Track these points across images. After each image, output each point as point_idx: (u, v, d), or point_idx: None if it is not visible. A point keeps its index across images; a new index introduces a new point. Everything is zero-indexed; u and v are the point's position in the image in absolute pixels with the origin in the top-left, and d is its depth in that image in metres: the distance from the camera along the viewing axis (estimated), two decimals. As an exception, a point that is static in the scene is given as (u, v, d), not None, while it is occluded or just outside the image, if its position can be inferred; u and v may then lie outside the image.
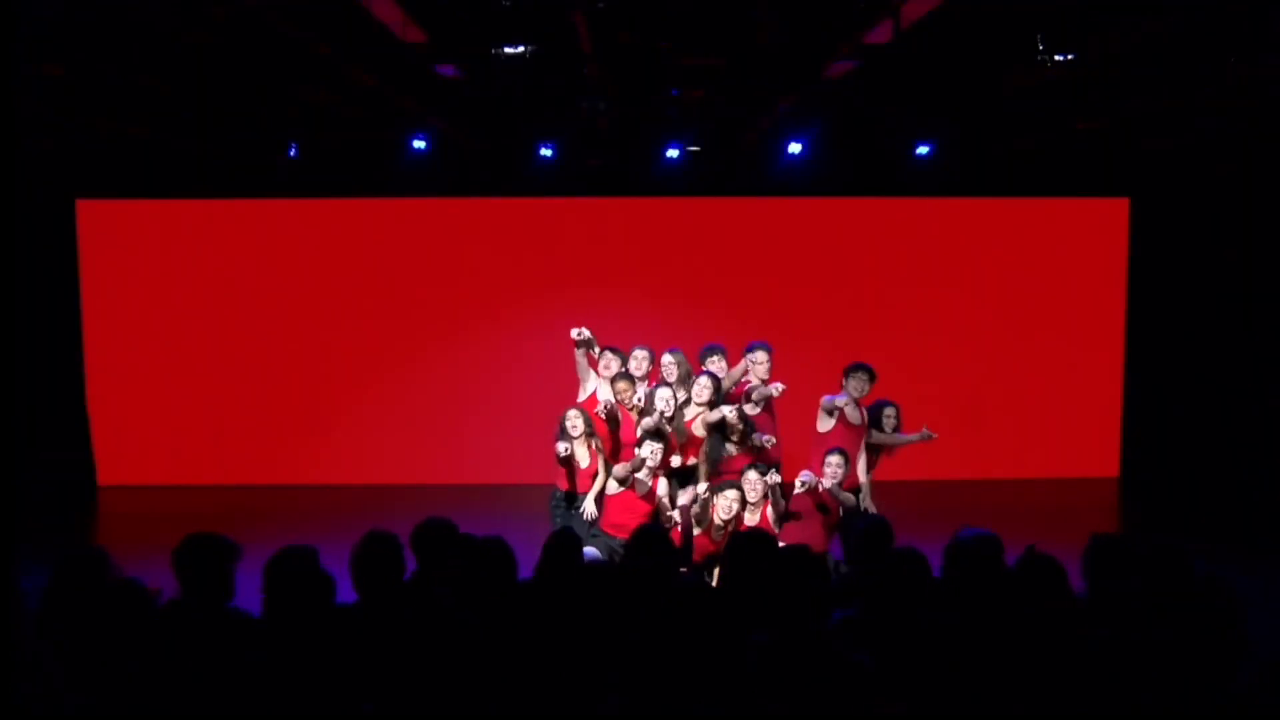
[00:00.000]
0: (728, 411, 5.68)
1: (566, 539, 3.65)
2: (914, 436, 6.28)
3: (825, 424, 6.13)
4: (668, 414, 5.75)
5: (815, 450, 6.21)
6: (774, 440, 5.90)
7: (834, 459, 5.62)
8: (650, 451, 5.43)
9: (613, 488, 5.64)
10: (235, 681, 2.60)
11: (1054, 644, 2.82)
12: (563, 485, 5.98)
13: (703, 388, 5.91)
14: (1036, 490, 9.07)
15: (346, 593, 3.32)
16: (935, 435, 6.22)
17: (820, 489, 5.57)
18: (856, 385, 6.15)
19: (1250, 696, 2.78)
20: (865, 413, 6.24)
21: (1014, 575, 3.13)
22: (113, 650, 2.78)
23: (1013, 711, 2.70)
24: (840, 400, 6.06)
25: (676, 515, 5.64)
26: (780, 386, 5.92)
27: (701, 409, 5.92)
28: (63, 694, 2.71)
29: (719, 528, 5.49)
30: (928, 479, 8.77)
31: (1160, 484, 9.25)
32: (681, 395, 5.96)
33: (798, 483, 5.59)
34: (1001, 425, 9.53)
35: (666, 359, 6.21)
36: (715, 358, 6.26)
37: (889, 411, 6.36)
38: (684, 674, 2.52)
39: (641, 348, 6.25)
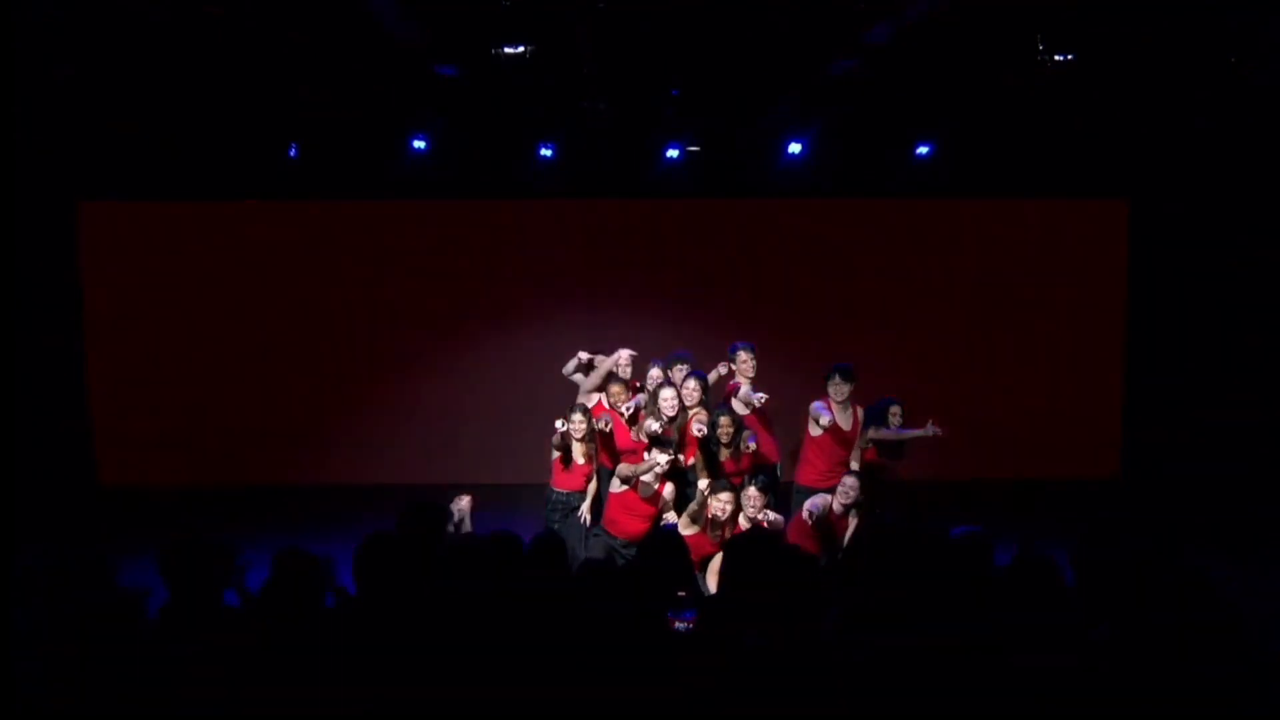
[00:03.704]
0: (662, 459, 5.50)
1: (552, 541, 3.66)
2: (917, 432, 6.28)
3: (816, 429, 6.15)
4: (670, 415, 5.76)
5: (808, 452, 6.22)
6: (754, 447, 5.88)
7: (850, 480, 5.71)
8: (662, 459, 5.43)
9: (615, 486, 5.65)
10: (226, 679, 2.60)
11: (1049, 643, 2.83)
12: (556, 484, 5.98)
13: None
14: (1037, 490, 9.07)
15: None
16: (940, 432, 6.21)
17: (833, 508, 5.62)
18: (835, 390, 6.18)
19: (1250, 696, 2.78)
20: (859, 413, 6.25)
21: (1007, 573, 3.14)
22: (107, 651, 2.78)
23: (1011, 710, 2.70)
24: (825, 419, 6.05)
25: (672, 516, 5.66)
26: (763, 396, 5.95)
27: (696, 410, 5.93)
28: (58, 694, 2.72)
29: (715, 528, 5.50)
30: (927, 479, 8.75)
31: (1160, 484, 9.23)
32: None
33: (805, 513, 5.58)
34: (1001, 425, 9.53)
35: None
36: (681, 367, 6.26)
37: (894, 409, 6.37)
38: (680, 672, 2.53)
39: (625, 352, 6.29)
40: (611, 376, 6.16)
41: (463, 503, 4.94)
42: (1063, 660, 2.78)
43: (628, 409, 5.89)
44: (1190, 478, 9.12)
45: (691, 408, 5.90)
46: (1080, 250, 9.56)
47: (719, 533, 5.49)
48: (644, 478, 5.49)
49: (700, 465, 5.90)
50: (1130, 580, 3.02)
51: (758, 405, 5.98)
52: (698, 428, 5.73)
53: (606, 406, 6.11)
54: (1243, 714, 2.74)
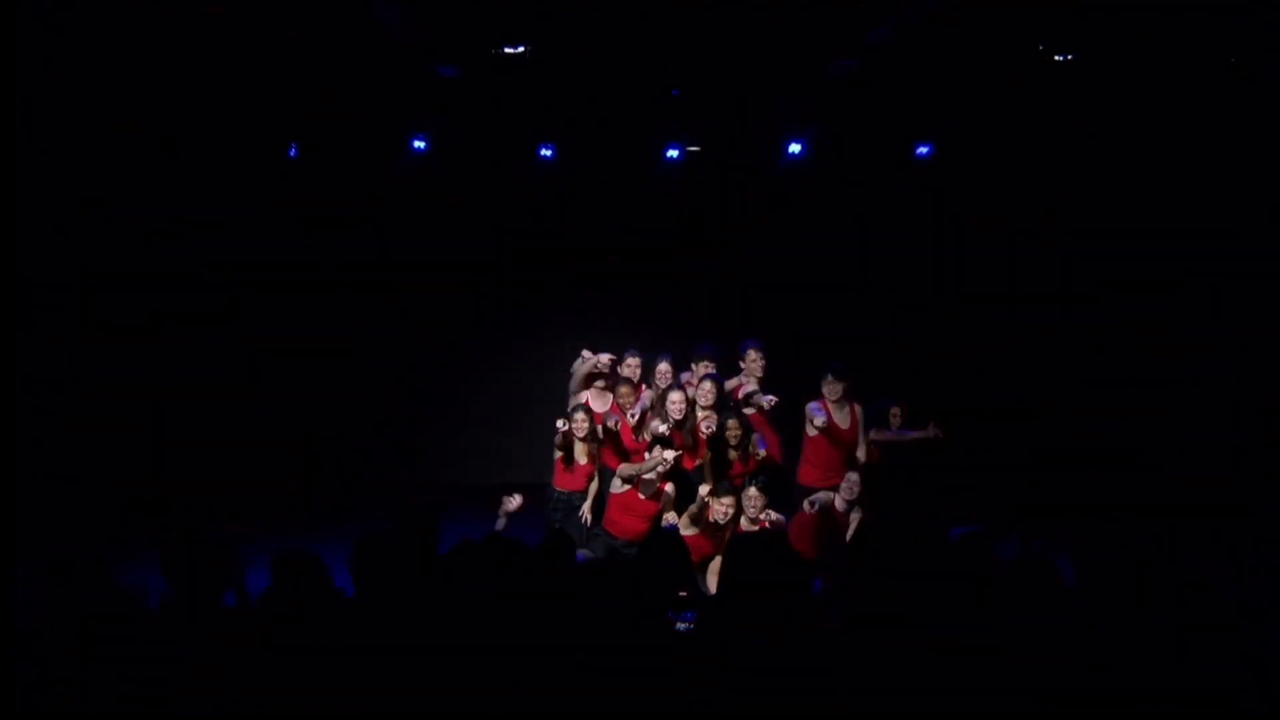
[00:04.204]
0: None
1: (561, 541, 3.66)
2: (918, 434, 6.28)
3: (812, 429, 6.15)
4: (677, 418, 5.75)
5: (808, 452, 6.21)
6: (764, 452, 5.88)
7: (854, 477, 5.73)
8: (666, 456, 5.41)
9: (616, 486, 5.65)
10: (226, 679, 2.61)
11: (1049, 642, 2.83)
12: (557, 483, 5.97)
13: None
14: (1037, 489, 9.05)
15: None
16: (940, 434, 6.21)
17: (835, 504, 5.63)
18: (829, 389, 6.16)
19: (1250, 696, 2.78)
20: (857, 411, 6.24)
21: (1007, 573, 3.14)
22: (107, 651, 2.79)
23: (1011, 710, 2.70)
24: (820, 419, 6.05)
25: (672, 516, 5.66)
26: (772, 399, 5.94)
27: (708, 411, 5.92)
28: (58, 694, 2.72)
29: (716, 531, 5.49)
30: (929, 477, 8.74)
31: (1158, 484, 9.21)
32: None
33: (806, 505, 5.60)
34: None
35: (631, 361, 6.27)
36: (706, 363, 6.26)
37: (894, 410, 6.37)
38: (680, 672, 2.53)
39: (633, 354, 6.27)
40: (615, 377, 6.14)
41: (510, 504, 4.82)
42: (1063, 660, 2.78)
43: (633, 414, 5.88)
44: (1191, 478, 9.10)
45: (705, 408, 5.88)
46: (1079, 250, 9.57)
47: (720, 535, 5.49)
48: (646, 476, 5.49)
49: (707, 466, 5.89)
50: (1130, 580, 3.02)
51: (766, 407, 5.97)
52: (707, 427, 5.73)
53: (601, 410, 6.10)
54: (1243, 714, 2.75)
